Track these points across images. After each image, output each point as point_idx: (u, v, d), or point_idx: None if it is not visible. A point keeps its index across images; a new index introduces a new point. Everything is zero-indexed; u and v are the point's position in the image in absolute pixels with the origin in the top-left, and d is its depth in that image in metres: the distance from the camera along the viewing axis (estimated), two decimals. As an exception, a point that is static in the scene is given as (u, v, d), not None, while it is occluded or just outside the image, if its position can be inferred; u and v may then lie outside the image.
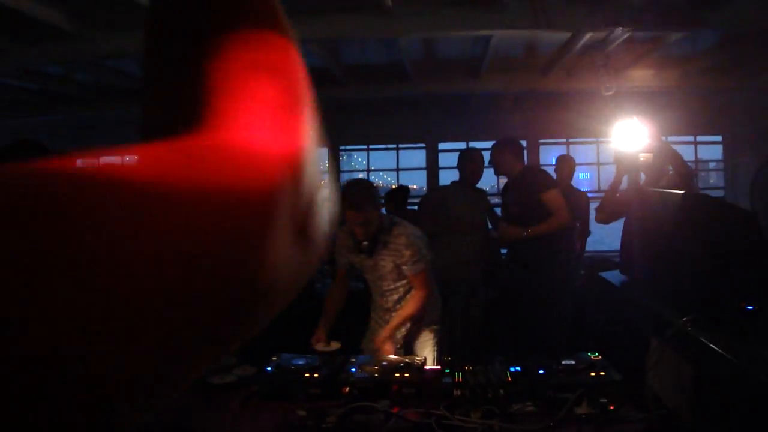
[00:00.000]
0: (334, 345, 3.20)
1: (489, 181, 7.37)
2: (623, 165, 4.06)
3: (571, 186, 6.32)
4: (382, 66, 6.63)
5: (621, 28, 4.50)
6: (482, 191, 5.24)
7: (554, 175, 6.21)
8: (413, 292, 3.35)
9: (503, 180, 5.74)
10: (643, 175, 4.19)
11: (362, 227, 3.19)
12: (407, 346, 3.49)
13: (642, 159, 3.93)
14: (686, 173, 3.98)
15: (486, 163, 4.93)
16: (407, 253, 3.24)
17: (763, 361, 1.87)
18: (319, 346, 3.19)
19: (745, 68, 6.47)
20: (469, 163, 4.98)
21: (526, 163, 4.86)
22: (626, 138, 3.97)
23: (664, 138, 4.23)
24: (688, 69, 6.45)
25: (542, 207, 4.40)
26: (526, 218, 4.43)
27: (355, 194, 3.14)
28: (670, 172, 4.09)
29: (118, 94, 7.41)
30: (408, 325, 3.40)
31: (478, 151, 5.07)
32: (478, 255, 4.82)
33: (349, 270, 3.55)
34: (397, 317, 3.30)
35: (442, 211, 4.82)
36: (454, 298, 4.76)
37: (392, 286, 3.41)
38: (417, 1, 4.36)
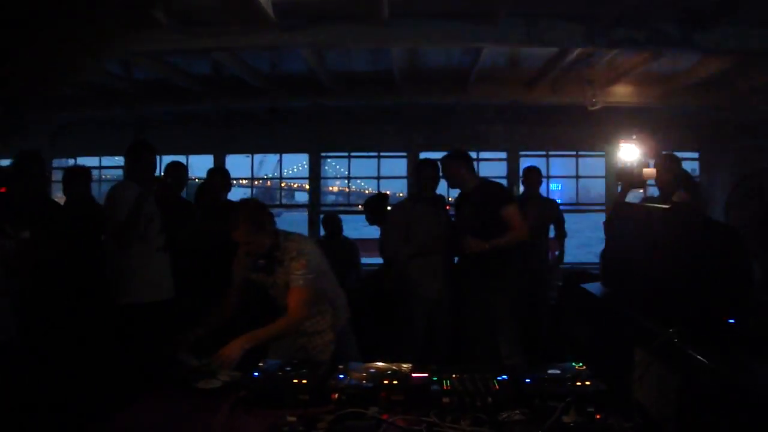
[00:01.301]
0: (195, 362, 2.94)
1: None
2: (626, 179, 4.11)
3: (540, 195, 6.41)
4: (368, 74, 6.66)
5: (611, 46, 4.58)
6: (441, 200, 5.25)
7: (522, 187, 6.30)
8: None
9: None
10: (657, 190, 4.26)
11: (247, 246, 3.20)
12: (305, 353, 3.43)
13: (645, 174, 3.98)
14: (694, 188, 4.05)
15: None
16: (293, 264, 3.19)
17: (746, 372, 1.92)
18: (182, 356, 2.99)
19: (724, 88, 6.62)
20: (427, 174, 4.97)
21: (479, 176, 4.89)
22: (629, 153, 4.02)
23: (673, 152, 4.30)
24: (668, 87, 6.58)
25: (500, 221, 4.47)
26: (485, 232, 4.47)
27: (235, 214, 3.15)
28: (681, 190, 4.17)
29: (97, 94, 7.34)
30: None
31: (434, 162, 5.07)
32: (442, 267, 4.86)
33: (244, 288, 3.46)
34: (255, 335, 3.04)
35: (406, 231, 4.84)
36: (418, 310, 4.80)
37: None
38: (411, 12, 4.39)
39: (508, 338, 4.54)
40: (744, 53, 4.97)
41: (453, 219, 5.08)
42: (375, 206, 5.90)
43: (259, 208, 3.25)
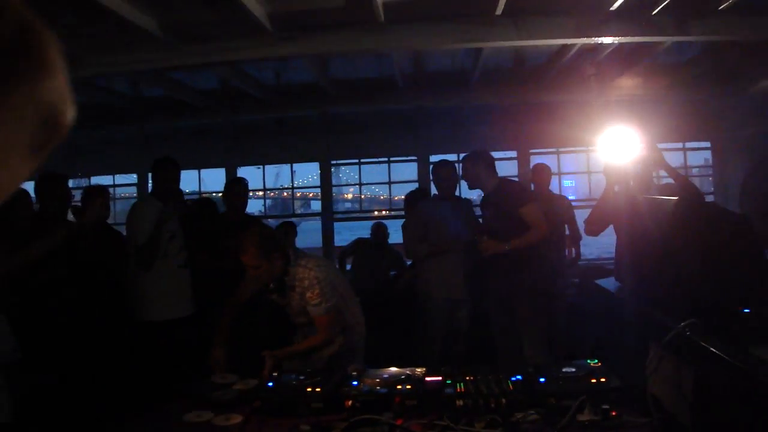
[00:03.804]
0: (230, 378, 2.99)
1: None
2: (612, 175, 4.02)
3: (551, 192, 6.36)
4: (372, 80, 6.68)
5: (605, 37, 4.54)
6: (465, 201, 5.21)
7: (532, 185, 6.23)
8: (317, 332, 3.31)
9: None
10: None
11: (255, 270, 3.19)
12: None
13: (631, 168, 3.88)
14: (683, 181, 3.96)
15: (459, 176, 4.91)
16: (308, 294, 3.22)
17: (762, 363, 1.89)
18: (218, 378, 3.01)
19: (731, 76, 6.56)
20: (442, 175, 4.95)
21: (499, 175, 4.83)
22: (614, 147, 3.92)
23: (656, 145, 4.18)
24: (675, 77, 6.53)
25: (521, 221, 4.42)
26: (505, 232, 4.42)
27: (244, 239, 3.15)
28: (658, 181, 4.09)
29: (108, 114, 7.42)
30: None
31: (450, 163, 5.06)
32: (462, 267, 4.84)
33: (254, 293, 3.50)
34: (287, 350, 3.26)
35: (424, 230, 4.83)
36: (438, 310, 4.79)
37: (311, 325, 3.37)
38: (408, 16, 4.39)
39: (533, 338, 4.49)
40: (740, 40, 4.92)
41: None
42: (415, 200, 5.79)
43: (268, 234, 3.28)
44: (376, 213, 11.30)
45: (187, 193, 8.10)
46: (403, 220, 5.73)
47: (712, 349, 1.99)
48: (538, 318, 4.54)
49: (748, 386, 1.83)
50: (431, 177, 5.18)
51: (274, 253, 3.18)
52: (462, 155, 8.01)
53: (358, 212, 11.76)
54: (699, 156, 9.60)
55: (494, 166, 4.72)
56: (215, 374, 3.04)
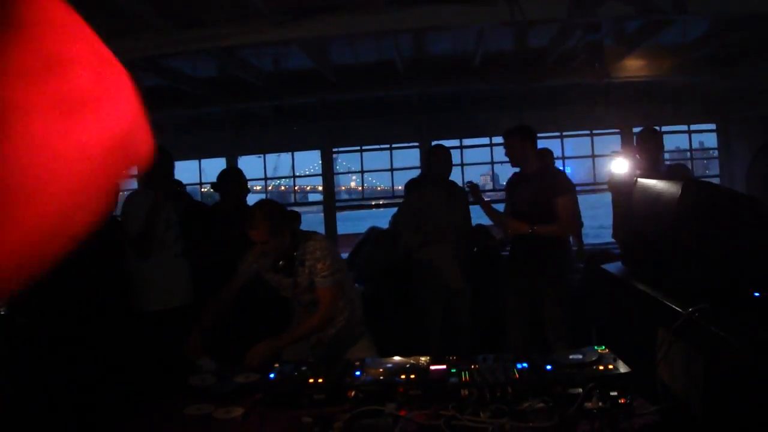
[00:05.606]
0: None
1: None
2: (617, 189, 4.09)
3: None
4: (373, 66, 6.60)
5: (599, 16, 4.47)
6: (459, 188, 5.13)
7: None
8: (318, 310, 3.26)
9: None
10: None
11: (264, 246, 3.18)
12: (337, 350, 3.45)
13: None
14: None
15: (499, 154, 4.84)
16: (319, 266, 3.21)
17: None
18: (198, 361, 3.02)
19: (736, 57, 6.47)
20: (437, 158, 4.88)
21: (542, 160, 4.73)
22: (621, 167, 4.11)
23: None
24: (679, 58, 6.44)
25: (552, 209, 4.33)
26: (534, 216, 4.34)
27: (255, 214, 3.15)
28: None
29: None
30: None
31: (445, 147, 5.00)
32: (458, 255, 4.78)
33: (247, 281, 3.45)
34: (287, 336, 3.18)
35: (422, 221, 4.77)
36: (436, 299, 4.74)
37: (315, 305, 3.34)
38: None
39: (555, 323, 4.42)
40: (745, 20, 4.83)
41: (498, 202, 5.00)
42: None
43: (279, 209, 3.26)
44: (380, 201, 11.26)
45: (188, 185, 8.06)
46: None
47: (722, 334, 1.94)
48: (563, 304, 4.47)
49: (759, 372, 1.78)
50: (428, 160, 5.10)
51: (284, 228, 3.18)
52: (464, 140, 7.91)
53: (361, 200, 11.71)
54: (694, 138, 9.51)
55: (537, 146, 4.63)
56: (191, 361, 3.01)
